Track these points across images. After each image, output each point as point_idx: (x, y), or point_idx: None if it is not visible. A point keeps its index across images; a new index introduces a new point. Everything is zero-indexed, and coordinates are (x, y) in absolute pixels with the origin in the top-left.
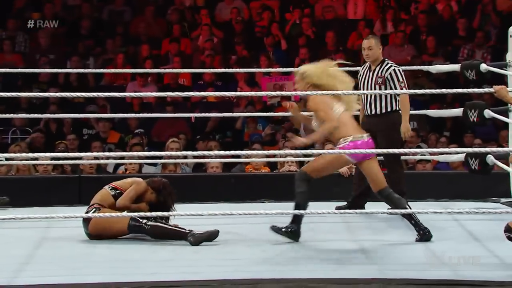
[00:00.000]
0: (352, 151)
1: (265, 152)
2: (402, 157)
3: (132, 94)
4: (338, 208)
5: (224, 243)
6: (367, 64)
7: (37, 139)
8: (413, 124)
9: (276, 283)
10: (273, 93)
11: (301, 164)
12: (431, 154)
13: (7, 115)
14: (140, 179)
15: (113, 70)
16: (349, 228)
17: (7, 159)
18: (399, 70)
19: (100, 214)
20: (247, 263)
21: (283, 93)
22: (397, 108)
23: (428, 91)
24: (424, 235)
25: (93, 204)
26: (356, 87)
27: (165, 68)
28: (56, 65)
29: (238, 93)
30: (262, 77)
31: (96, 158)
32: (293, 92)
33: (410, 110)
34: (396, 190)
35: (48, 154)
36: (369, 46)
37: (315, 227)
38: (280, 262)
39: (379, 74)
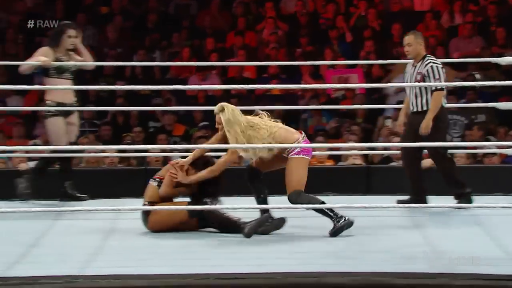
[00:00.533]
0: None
1: (329, 145)
2: (467, 151)
3: (198, 87)
4: (400, 202)
5: (289, 235)
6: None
7: (105, 132)
8: (481, 117)
9: (341, 276)
10: (338, 85)
11: (365, 157)
12: (500, 147)
13: (76, 108)
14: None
15: (178, 63)
16: (413, 221)
17: (76, 152)
18: (437, 66)
19: (158, 207)
20: (312, 256)
21: (348, 85)
22: (441, 105)
23: (496, 83)
24: (345, 224)
25: (144, 204)
26: None
27: (230, 61)
28: (123, 59)
29: (302, 86)
30: (327, 69)
31: (162, 150)
32: (358, 85)
33: (479, 102)
34: (452, 183)
35: (114, 147)
36: (408, 43)
37: (379, 221)
38: (345, 255)
39: (419, 71)
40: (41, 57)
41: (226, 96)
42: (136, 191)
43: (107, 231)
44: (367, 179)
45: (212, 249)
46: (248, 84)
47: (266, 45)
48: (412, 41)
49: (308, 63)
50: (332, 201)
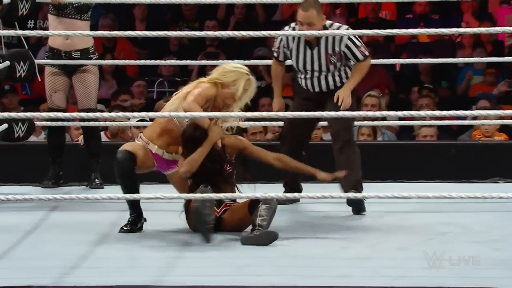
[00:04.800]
0: None
1: (499, 112)
2: None
3: (314, 32)
4: None
5: (441, 237)
6: None
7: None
8: None
9: None
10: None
11: None
12: None
13: (152, 62)
14: None
15: (288, 0)
16: None
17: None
18: None
19: None
20: (472, 266)
21: None
22: None
23: None
24: None
25: None
26: None
27: None
28: None
29: (462, 30)
30: (499, 7)
31: (264, 119)
32: None
33: None
34: None
35: (195, 114)
36: None
37: None
38: None
39: None
40: None
41: None
42: None
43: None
44: None
45: (334, 253)
46: (385, 28)
47: None
48: None
49: None
50: (503, 190)
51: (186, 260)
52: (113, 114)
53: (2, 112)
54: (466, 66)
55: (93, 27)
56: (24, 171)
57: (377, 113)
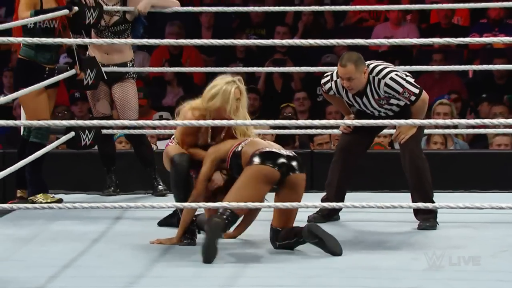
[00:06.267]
0: None
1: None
2: None
3: (383, 40)
4: None
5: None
6: None
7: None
8: None
9: None
10: None
11: None
12: None
13: (218, 69)
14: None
15: (356, 8)
16: None
17: None
18: None
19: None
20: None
21: None
22: None
23: None
24: None
25: None
26: None
27: (432, 3)
28: (283, 2)
29: None
30: None
31: (331, 127)
32: None
33: None
34: None
35: (265, 122)
36: None
37: None
38: None
39: None
40: None
41: (427, 52)
42: None
43: None
44: None
45: (403, 264)
46: (457, 34)
47: None
48: None
49: None
50: None
51: (252, 270)
52: (157, 121)
53: (71, 119)
54: None
55: (159, 35)
56: (90, 179)
57: (448, 121)
